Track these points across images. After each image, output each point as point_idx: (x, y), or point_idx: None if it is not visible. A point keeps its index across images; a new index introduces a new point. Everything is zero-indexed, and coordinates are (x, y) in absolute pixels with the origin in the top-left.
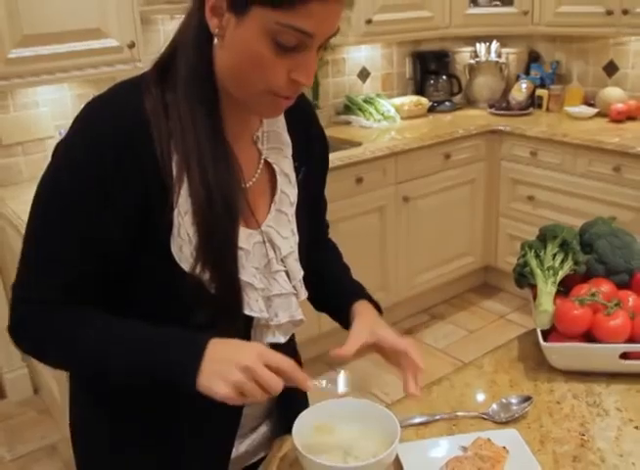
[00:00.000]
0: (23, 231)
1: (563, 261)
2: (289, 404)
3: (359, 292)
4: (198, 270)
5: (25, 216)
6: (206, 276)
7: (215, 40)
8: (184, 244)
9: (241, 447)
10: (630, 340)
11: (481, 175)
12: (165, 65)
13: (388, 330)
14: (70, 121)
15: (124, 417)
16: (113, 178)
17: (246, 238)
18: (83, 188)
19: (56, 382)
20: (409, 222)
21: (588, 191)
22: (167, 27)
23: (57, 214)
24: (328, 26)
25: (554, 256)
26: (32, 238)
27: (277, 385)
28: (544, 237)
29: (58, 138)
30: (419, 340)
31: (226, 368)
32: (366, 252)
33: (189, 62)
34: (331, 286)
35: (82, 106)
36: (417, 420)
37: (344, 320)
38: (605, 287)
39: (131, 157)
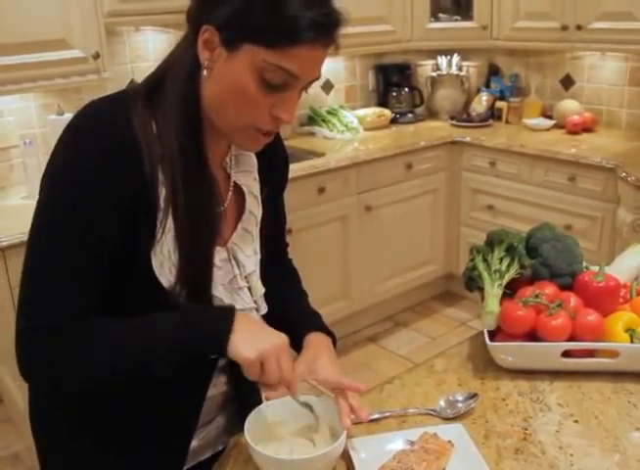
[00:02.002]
0: None
1: (509, 265)
2: (243, 398)
3: (313, 322)
4: (177, 288)
5: None
6: (183, 293)
7: (204, 72)
8: (164, 260)
9: (195, 441)
10: (572, 339)
11: (443, 185)
12: (154, 87)
13: (327, 369)
14: (35, 131)
15: (87, 414)
16: (110, 188)
17: (216, 255)
18: (81, 203)
19: (19, 391)
20: (371, 231)
21: (544, 200)
22: (133, 39)
23: (68, 233)
24: (312, 69)
25: (501, 259)
26: (43, 260)
27: (291, 376)
28: (491, 242)
29: (23, 147)
30: (382, 346)
31: (257, 337)
32: (329, 260)
33: (178, 90)
34: (287, 316)
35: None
36: (368, 416)
37: (296, 349)
38: (549, 289)
39: (126, 170)
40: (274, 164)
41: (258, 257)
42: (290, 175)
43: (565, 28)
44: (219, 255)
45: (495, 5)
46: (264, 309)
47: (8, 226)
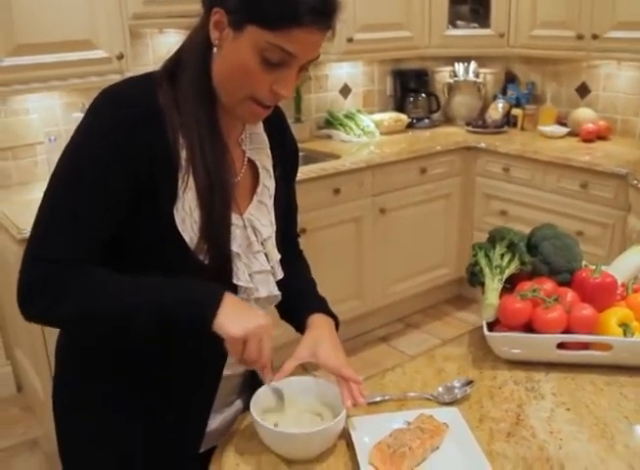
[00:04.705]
0: (14, 234)
1: (510, 261)
2: (260, 383)
3: (317, 305)
4: (199, 243)
5: (15, 218)
6: (204, 248)
7: (215, 50)
8: (186, 216)
9: (214, 423)
10: (567, 331)
11: (457, 190)
12: (173, 67)
13: (330, 355)
14: (59, 128)
15: (108, 388)
16: (127, 152)
17: (234, 222)
18: (103, 160)
19: (39, 379)
20: (385, 233)
21: (557, 206)
22: (156, 41)
23: (81, 180)
24: (309, 51)
25: (502, 255)
26: (57, 201)
27: (269, 358)
28: (493, 238)
29: (47, 144)
30: (393, 347)
31: (244, 316)
32: (342, 261)
33: (193, 67)
34: (292, 298)
35: (94, 98)
36: (369, 399)
37: (301, 331)
38: (547, 285)
39: (145, 137)
40: (286, 146)
41: (274, 227)
42: (306, 176)
43: (580, 37)
44: (237, 222)
45: (513, 13)
46: (280, 274)
47: (31, 219)
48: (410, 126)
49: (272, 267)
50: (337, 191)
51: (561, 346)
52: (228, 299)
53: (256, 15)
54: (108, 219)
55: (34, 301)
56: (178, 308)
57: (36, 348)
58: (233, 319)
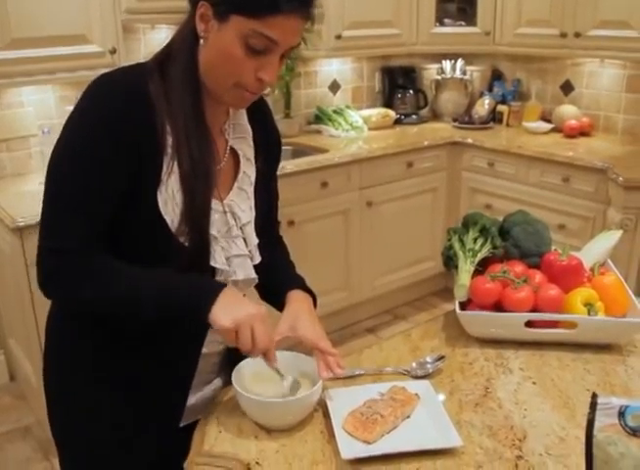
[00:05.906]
0: (8, 223)
1: (482, 245)
2: (238, 362)
3: (296, 282)
4: (180, 225)
5: (9, 209)
6: (185, 230)
7: (201, 41)
8: (169, 199)
9: (192, 399)
10: (534, 311)
11: (443, 184)
12: (163, 59)
13: (308, 328)
14: (53, 121)
15: (94, 361)
16: (119, 138)
17: (215, 208)
18: (99, 144)
19: (32, 368)
20: (372, 226)
21: (540, 200)
22: (148, 36)
23: (81, 167)
24: (290, 37)
25: (475, 240)
26: (60, 189)
27: (265, 344)
28: (467, 223)
29: (41, 136)
30: (380, 337)
31: (235, 307)
32: (330, 252)
33: (182, 59)
34: (272, 278)
35: (88, 85)
36: (346, 373)
37: (280, 307)
38: (518, 267)
39: (136, 121)
40: (269, 137)
41: (253, 213)
42: (294, 169)
43: (564, 35)
44: (217, 207)
45: (498, 12)
46: (258, 259)
47: (25, 209)
48: (398, 122)
49: (250, 252)
50: (325, 184)
51: (530, 325)
52: (225, 293)
53: (239, 5)
54: (109, 203)
55: (54, 288)
56: (181, 300)
57: (29, 337)
58: (224, 311)
